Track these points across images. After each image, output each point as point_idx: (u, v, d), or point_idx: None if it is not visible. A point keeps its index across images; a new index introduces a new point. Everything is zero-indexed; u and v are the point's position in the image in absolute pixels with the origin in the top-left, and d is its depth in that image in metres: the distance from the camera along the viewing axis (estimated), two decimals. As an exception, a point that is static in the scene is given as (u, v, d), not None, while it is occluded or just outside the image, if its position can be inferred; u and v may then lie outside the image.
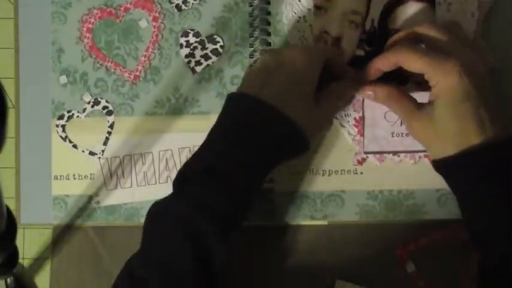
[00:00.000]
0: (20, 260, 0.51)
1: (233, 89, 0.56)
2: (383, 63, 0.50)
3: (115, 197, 0.57)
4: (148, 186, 0.57)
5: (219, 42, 0.56)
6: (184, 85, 0.56)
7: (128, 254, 0.47)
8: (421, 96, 0.50)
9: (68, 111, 0.57)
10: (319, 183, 0.55)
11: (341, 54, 0.55)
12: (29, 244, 0.57)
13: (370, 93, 0.51)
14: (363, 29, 0.55)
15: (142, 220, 0.55)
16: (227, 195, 0.46)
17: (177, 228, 0.45)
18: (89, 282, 0.56)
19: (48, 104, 0.57)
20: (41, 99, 0.57)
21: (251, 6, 0.56)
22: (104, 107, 0.57)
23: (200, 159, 0.48)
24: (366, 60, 0.54)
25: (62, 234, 0.57)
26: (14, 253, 0.45)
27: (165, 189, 0.56)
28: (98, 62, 0.57)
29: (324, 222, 0.56)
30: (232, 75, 0.56)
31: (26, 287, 0.56)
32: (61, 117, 0.57)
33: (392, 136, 0.55)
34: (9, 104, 0.34)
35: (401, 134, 0.55)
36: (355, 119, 0.55)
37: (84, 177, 0.57)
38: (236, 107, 0.49)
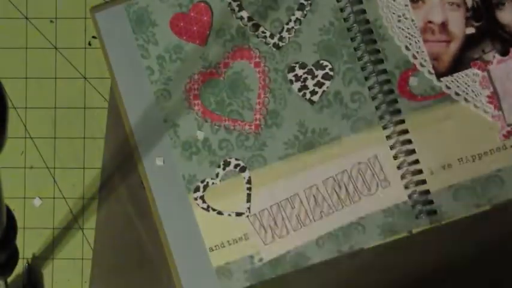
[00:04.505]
0: (20, 260, 0.51)
1: (355, 106, 0.55)
2: None
3: (276, 249, 0.56)
4: (304, 228, 0.56)
5: (327, 66, 0.56)
6: (307, 118, 0.56)
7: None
8: None
9: (202, 181, 0.56)
10: (474, 169, 0.54)
11: None
12: (29, 244, 0.57)
13: None
14: (465, 7, 0.54)
15: (310, 262, 0.55)
16: None
17: None
18: None
19: (180, 180, 0.56)
20: (171, 178, 0.56)
21: (347, 21, 0.55)
22: (236, 166, 0.56)
23: None
24: (479, 37, 0.54)
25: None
26: (14, 253, 0.45)
27: (322, 225, 0.55)
28: (215, 124, 0.56)
29: (487, 207, 0.54)
30: (352, 93, 0.55)
31: (36, 282, 0.56)
32: (197, 190, 0.56)
33: (528, 100, 0.54)
34: (10, 104, 0.35)
35: (538, 95, 0.53)
36: (487, 96, 0.54)
37: (239, 239, 0.56)
38: None
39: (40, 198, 0.58)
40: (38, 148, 0.57)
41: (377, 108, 0.55)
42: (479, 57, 0.54)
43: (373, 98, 0.55)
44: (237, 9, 0.56)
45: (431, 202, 0.54)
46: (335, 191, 0.55)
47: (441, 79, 0.54)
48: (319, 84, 0.56)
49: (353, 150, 0.55)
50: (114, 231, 0.57)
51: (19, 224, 0.43)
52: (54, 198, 0.58)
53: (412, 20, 0.54)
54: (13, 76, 0.58)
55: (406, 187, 0.55)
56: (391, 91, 0.55)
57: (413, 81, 0.55)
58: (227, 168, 0.56)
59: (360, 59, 0.55)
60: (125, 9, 0.57)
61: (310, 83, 0.56)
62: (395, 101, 0.55)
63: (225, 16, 0.56)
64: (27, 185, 0.58)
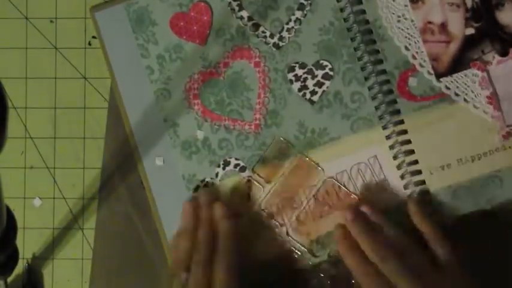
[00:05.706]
0: (20, 260, 0.51)
1: (355, 106, 0.55)
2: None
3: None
4: (304, 227, 0.56)
5: (327, 66, 0.56)
6: (307, 118, 0.56)
7: None
8: None
9: (202, 181, 0.56)
10: (473, 170, 0.54)
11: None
12: (29, 244, 0.57)
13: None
14: (465, 7, 0.54)
15: (309, 263, 0.55)
16: None
17: None
18: None
19: (180, 180, 0.56)
20: (171, 177, 0.56)
21: (347, 21, 0.55)
22: (236, 165, 0.56)
23: None
24: (478, 37, 0.54)
25: None
26: (14, 253, 0.45)
27: (321, 225, 0.55)
28: (215, 124, 0.56)
29: (486, 207, 0.55)
30: (351, 93, 0.55)
31: (36, 282, 0.57)
32: (197, 189, 0.56)
33: (528, 101, 0.54)
34: (10, 104, 0.35)
35: (537, 95, 0.54)
36: (487, 96, 0.54)
37: (239, 239, 0.56)
38: None
39: (40, 198, 0.58)
40: (38, 148, 0.57)
41: (376, 108, 0.55)
42: (478, 57, 0.54)
43: (373, 98, 0.55)
44: (237, 8, 0.56)
45: (430, 202, 0.54)
46: (335, 191, 0.55)
47: (441, 79, 0.54)
48: (319, 84, 0.56)
49: (353, 150, 0.55)
50: (114, 231, 0.57)
51: (19, 224, 0.44)
52: (54, 198, 0.58)
53: (412, 21, 0.55)
54: (13, 76, 0.58)
55: (406, 187, 0.55)
56: (391, 91, 0.55)
57: (412, 81, 0.55)
58: (227, 168, 0.56)
59: (359, 59, 0.55)
60: (125, 8, 0.57)
61: (310, 83, 0.56)
62: (395, 101, 0.55)
63: (225, 16, 0.56)
64: (27, 185, 0.58)
